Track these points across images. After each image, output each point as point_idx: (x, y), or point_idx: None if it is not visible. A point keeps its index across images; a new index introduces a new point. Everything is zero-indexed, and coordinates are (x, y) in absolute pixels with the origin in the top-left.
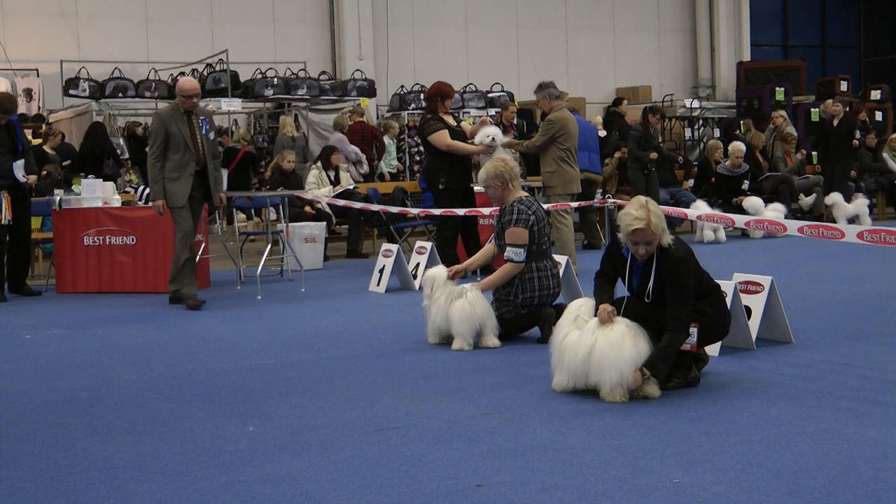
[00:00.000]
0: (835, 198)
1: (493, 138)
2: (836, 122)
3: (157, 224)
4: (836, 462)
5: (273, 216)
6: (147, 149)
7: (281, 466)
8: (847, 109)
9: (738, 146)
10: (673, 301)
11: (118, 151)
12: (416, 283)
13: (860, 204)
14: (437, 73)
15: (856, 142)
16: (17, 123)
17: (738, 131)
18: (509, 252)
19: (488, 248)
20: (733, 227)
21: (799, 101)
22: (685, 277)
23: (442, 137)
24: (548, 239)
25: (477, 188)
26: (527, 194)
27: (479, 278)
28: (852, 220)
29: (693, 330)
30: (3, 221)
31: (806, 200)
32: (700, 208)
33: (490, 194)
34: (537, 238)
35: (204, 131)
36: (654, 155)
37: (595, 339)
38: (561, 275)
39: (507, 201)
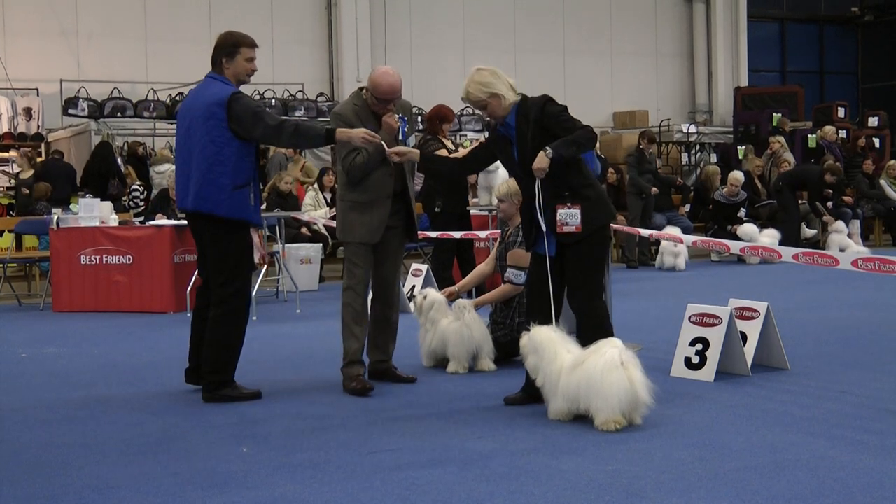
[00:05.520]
0: (838, 226)
1: None
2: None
3: (154, 244)
4: (831, 490)
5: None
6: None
7: (274, 488)
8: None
9: (736, 176)
10: (565, 128)
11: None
12: (412, 306)
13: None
14: (434, 96)
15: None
16: None
17: (750, 156)
18: (510, 274)
19: (481, 268)
20: (728, 253)
21: (796, 127)
22: (558, 108)
23: None
24: None
25: (473, 211)
26: None
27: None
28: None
29: (575, 211)
30: (256, 262)
31: (808, 231)
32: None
33: (503, 209)
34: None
35: (402, 135)
36: (654, 190)
37: (585, 364)
38: None
39: (515, 222)
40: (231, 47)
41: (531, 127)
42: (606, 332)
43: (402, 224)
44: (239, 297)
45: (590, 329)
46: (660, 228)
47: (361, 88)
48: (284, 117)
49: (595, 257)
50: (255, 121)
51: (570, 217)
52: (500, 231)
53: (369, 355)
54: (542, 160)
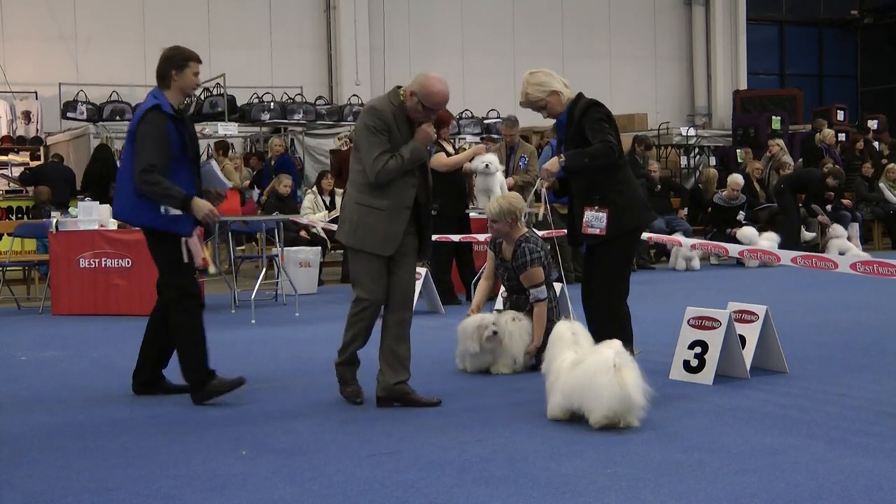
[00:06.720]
0: (837, 230)
1: (488, 165)
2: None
3: None
4: (830, 493)
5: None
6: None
7: (273, 491)
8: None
9: (736, 179)
10: (593, 136)
11: None
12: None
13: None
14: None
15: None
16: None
17: (753, 157)
18: (535, 293)
19: (484, 284)
20: (727, 256)
21: (795, 130)
22: (597, 116)
23: (440, 158)
24: (551, 272)
25: (473, 214)
26: (528, 231)
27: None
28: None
29: (601, 215)
30: (209, 269)
31: (807, 234)
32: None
33: (497, 229)
34: (545, 272)
35: (430, 146)
36: None
37: (584, 364)
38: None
39: (513, 238)
40: (182, 61)
41: (573, 126)
42: (625, 334)
43: (415, 236)
44: (186, 295)
45: (608, 331)
46: (658, 232)
47: (398, 87)
48: (154, 172)
49: (617, 261)
50: (139, 149)
51: (595, 220)
52: (491, 244)
53: (383, 378)
54: (553, 164)
